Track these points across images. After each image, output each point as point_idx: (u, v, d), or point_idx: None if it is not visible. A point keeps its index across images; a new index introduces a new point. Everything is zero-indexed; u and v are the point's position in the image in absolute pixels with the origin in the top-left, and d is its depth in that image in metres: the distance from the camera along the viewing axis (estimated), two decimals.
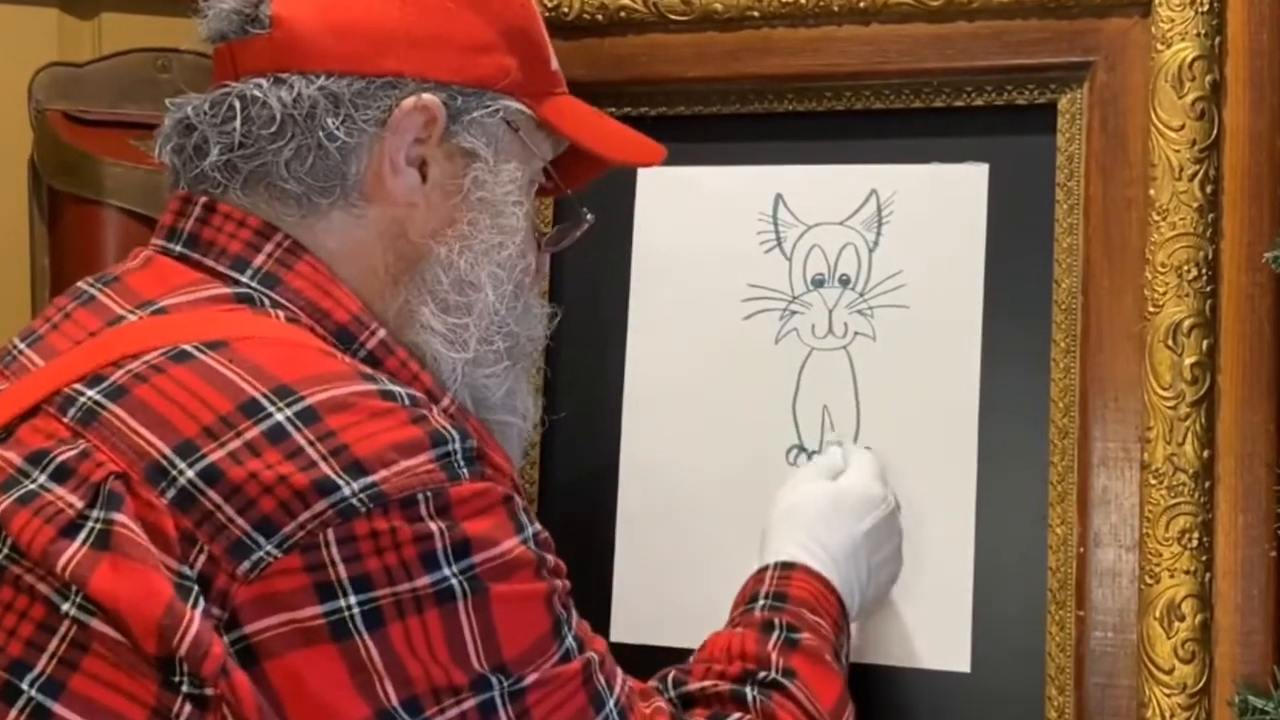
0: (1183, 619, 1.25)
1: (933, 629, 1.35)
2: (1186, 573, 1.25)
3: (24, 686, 0.89)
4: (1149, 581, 1.26)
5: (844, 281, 1.41)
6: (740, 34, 1.43)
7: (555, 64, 1.17)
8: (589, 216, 1.20)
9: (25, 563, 0.91)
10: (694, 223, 1.45)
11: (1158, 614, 1.25)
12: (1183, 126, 1.28)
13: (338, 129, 1.05)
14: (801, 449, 1.41)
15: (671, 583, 1.41)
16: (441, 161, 1.09)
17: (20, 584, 0.91)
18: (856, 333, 1.41)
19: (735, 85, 1.45)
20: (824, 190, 1.43)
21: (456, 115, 1.08)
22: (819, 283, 1.42)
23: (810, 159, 1.44)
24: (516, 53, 1.12)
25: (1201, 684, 1.24)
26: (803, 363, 1.42)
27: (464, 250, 1.08)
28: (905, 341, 1.39)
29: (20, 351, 1.04)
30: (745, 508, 1.38)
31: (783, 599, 1.19)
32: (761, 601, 1.19)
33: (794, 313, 1.42)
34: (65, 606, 0.89)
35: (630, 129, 1.23)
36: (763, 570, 1.23)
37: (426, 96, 1.07)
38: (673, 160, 1.28)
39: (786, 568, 1.22)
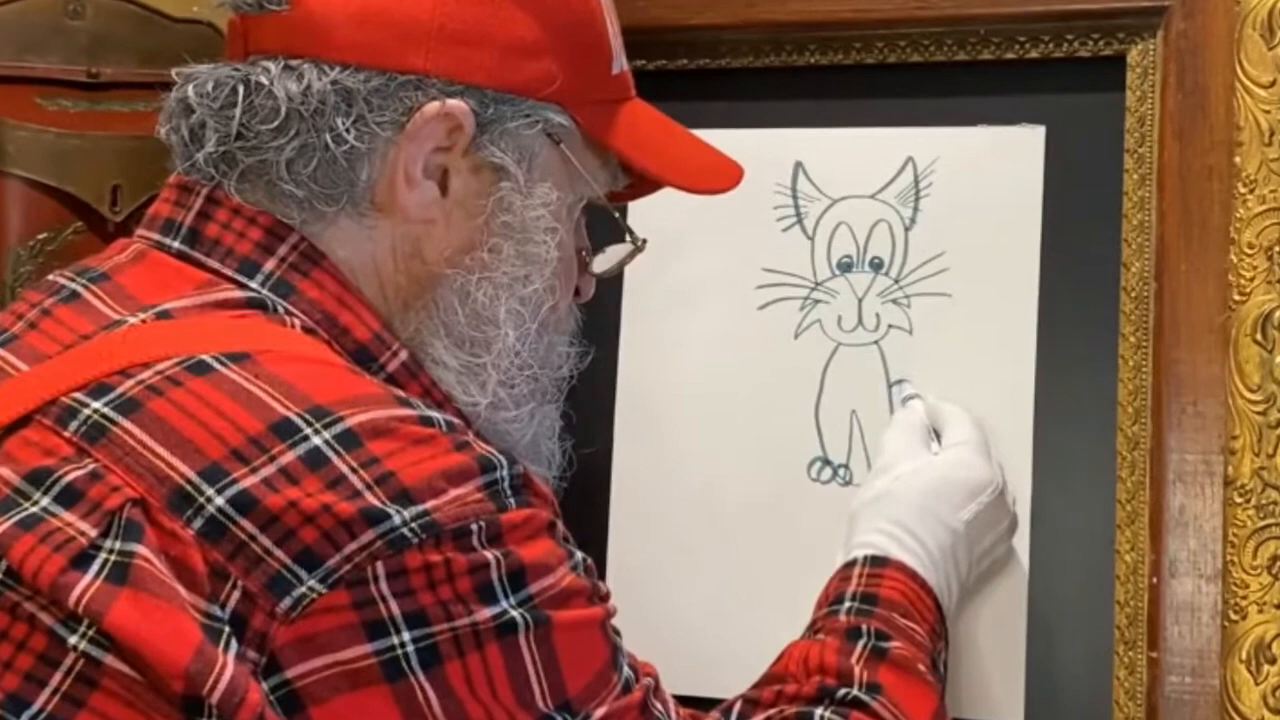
0: (1273, 661, 1.20)
1: (981, 673, 1.30)
2: (1277, 607, 1.20)
3: None
4: (1234, 617, 1.22)
5: (876, 265, 1.38)
6: None
7: (621, 67, 1.15)
8: (642, 240, 1.18)
9: (23, 589, 0.89)
10: (699, 197, 1.36)
11: (1244, 655, 1.21)
12: (1273, 83, 1.24)
13: (347, 131, 1.03)
14: (826, 461, 1.37)
15: (669, 621, 1.36)
16: (465, 175, 1.07)
17: (18, 611, 0.89)
18: (890, 325, 1.37)
19: (748, 35, 1.43)
20: (852, 158, 1.40)
21: (487, 125, 1.06)
22: (846, 266, 1.38)
23: (836, 121, 1.42)
24: (569, 55, 1.09)
25: None
26: (827, 360, 1.38)
27: (483, 281, 1.07)
28: (947, 336, 1.35)
29: None
30: (760, 533, 1.36)
31: (872, 601, 1.18)
32: (847, 604, 1.19)
33: (817, 302, 1.39)
34: (73, 640, 0.88)
35: (702, 143, 1.20)
36: (849, 566, 1.22)
37: (452, 102, 1.04)
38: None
39: (877, 564, 1.21)
